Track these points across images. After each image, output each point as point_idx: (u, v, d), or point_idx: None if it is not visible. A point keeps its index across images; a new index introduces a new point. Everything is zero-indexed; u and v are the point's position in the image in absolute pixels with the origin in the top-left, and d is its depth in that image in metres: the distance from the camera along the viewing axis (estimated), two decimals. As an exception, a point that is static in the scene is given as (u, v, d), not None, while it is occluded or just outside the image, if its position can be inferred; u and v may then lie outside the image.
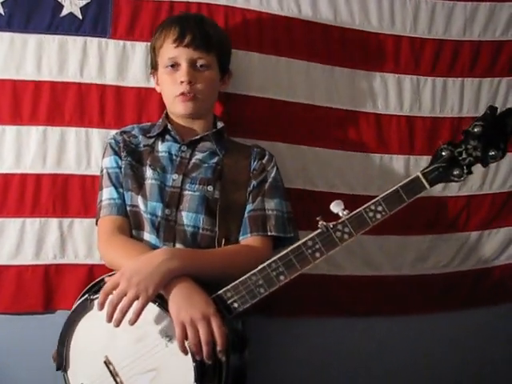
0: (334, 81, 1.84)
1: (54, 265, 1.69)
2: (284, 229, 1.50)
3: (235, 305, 1.27)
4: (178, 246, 1.46)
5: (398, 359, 1.95)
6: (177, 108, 1.53)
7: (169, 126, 1.54)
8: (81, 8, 1.69)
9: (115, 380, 1.34)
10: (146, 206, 1.48)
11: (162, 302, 1.30)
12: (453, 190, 1.93)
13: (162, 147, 1.55)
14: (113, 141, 1.57)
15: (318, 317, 1.86)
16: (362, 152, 1.86)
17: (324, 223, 1.24)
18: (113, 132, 1.65)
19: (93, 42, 1.70)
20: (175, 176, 1.50)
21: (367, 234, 1.80)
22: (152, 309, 1.30)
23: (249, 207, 1.51)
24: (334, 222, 1.25)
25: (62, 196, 1.69)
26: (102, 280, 1.38)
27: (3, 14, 1.65)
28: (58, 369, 1.38)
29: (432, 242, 1.92)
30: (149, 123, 1.64)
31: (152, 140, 1.56)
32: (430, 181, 1.26)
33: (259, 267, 1.27)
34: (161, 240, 1.46)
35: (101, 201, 1.52)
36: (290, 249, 1.26)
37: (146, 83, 1.72)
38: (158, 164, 1.52)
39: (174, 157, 1.53)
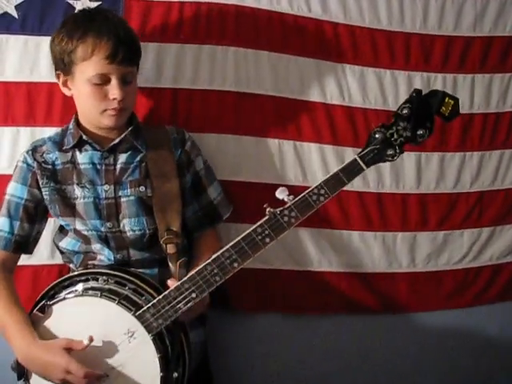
0: (344, 78, 1.84)
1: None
2: (228, 205, 1.63)
3: (193, 295, 1.30)
4: (131, 252, 1.48)
5: (409, 354, 1.97)
6: (104, 121, 1.43)
7: (84, 137, 1.46)
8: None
9: None
10: (87, 224, 1.46)
11: (120, 299, 1.32)
12: (465, 186, 1.93)
13: (82, 159, 1.48)
14: (24, 165, 1.49)
15: (322, 313, 1.89)
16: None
17: (271, 209, 1.28)
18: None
19: (105, 43, 1.72)
20: (106, 187, 1.46)
21: (380, 231, 1.86)
22: (111, 307, 1.31)
23: (194, 206, 1.56)
24: (281, 208, 1.29)
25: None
26: (57, 285, 1.40)
27: (17, 17, 1.67)
28: (19, 378, 1.37)
29: (445, 239, 1.92)
30: (58, 131, 1.56)
31: (70, 154, 1.48)
32: (366, 162, 1.31)
33: (213, 257, 1.30)
34: (114, 251, 1.47)
35: None
36: (241, 237, 1.30)
37: (158, 83, 1.73)
38: (85, 179, 1.46)
39: (98, 166, 1.47)
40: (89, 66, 1.38)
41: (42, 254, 1.70)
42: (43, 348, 1.30)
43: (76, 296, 1.35)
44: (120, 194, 1.47)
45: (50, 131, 1.69)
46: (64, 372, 1.27)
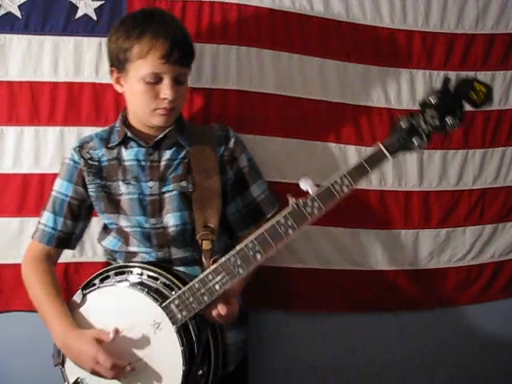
0: (347, 77, 1.84)
1: (73, 263, 1.73)
2: (274, 204, 1.59)
3: (217, 287, 1.31)
4: (173, 249, 1.48)
5: (411, 353, 1.97)
6: (154, 121, 1.46)
7: (129, 134, 1.49)
8: (95, 9, 1.72)
9: None
10: (130, 221, 1.48)
11: (149, 291, 1.35)
12: (467, 183, 1.93)
13: (127, 155, 1.51)
14: (71, 162, 1.52)
15: (332, 312, 1.89)
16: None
17: (294, 200, 1.27)
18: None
19: (108, 42, 1.73)
20: (151, 183, 1.48)
21: (383, 229, 1.87)
22: (140, 298, 1.34)
23: (238, 204, 1.55)
24: (304, 199, 1.28)
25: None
26: (96, 277, 1.44)
27: (20, 17, 1.67)
28: (55, 364, 1.45)
29: (447, 236, 1.93)
30: (106, 128, 1.58)
31: (116, 151, 1.51)
32: (390, 151, 1.28)
33: (237, 248, 1.31)
34: (155, 249, 1.48)
35: (39, 222, 1.54)
36: (264, 228, 1.29)
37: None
38: (130, 175, 1.49)
39: (143, 163, 1.49)
40: (143, 65, 1.40)
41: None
42: (77, 336, 1.36)
43: (108, 286, 1.41)
44: (164, 189, 1.48)
45: (53, 130, 1.71)
46: (93, 361, 1.32)
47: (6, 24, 1.67)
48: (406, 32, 1.88)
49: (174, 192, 1.47)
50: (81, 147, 1.53)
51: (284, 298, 1.83)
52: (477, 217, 1.95)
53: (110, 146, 1.52)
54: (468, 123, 1.91)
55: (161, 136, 1.49)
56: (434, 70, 1.91)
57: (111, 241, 1.53)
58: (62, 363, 1.43)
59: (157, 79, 1.41)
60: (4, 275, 1.71)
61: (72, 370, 1.41)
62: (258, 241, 1.29)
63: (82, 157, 1.52)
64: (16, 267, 1.69)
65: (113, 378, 1.33)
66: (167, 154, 1.50)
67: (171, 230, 1.47)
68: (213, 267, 1.31)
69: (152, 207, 1.48)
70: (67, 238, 1.53)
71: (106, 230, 1.57)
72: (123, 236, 1.50)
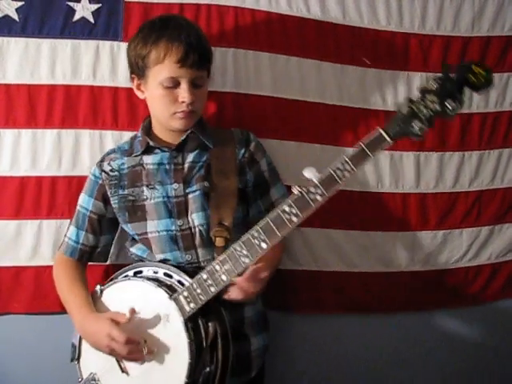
0: (344, 79, 1.85)
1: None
2: None
3: (223, 277, 1.33)
4: (199, 252, 1.49)
5: (410, 356, 1.97)
6: (174, 124, 1.50)
7: (151, 144, 1.52)
8: (92, 12, 1.72)
9: (119, 365, 1.41)
10: (157, 225, 1.50)
11: (162, 285, 1.38)
12: (464, 185, 1.94)
13: (151, 160, 1.53)
14: (92, 177, 1.58)
15: (330, 313, 1.89)
16: (372, 150, 1.87)
17: (298, 187, 1.29)
18: (126, 135, 1.69)
19: (105, 45, 1.73)
20: (175, 185, 1.50)
21: (379, 230, 1.87)
22: (152, 290, 1.38)
23: (259, 206, 1.57)
24: (307, 185, 1.29)
25: (77, 197, 1.68)
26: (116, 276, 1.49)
27: (18, 20, 1.67)
28: (71, 360, 1.49)
29: (444, 238, 1.93)
30: (128, 140, 1.63)
31: (138, 158, 1.54)
32: (390, 135, 1.29)
33: (243, 238, 1.32)
34: (182, 251, 1.49)
35: (65, 235, 1.60)
36: (269, 217, 1.31)
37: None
38: (154, 180, 1.51)
39: (167, 166, 1.52)
40: (161, 70, 1.43)
41: (44, 255, 1.71)
42: (94, 318, 1.42)
43: (123, 280, 1.46)
44: (188, 190, 1.50)
45: (50, 133, 1.71)
46: (108, 337, 1.35)
47: (3, 27, 1.67)
48: (403, 34, 1.88)
49: (197, 192, 1.50)
50: (102, 161, 1.58)
51: (281, 300, 1.83)
52: (474, 218, 1.95)
53: (133, 155, 1.55)
54: (464, 125, 1.92)
55: (184, 137, 1.51)
56: (431, 72, 1.90)
57: (140, 248, 1.55)
58: (78, 358, 1.48)
59: (174, 83, 1.44)
60: (1, 277, 1.71)
61: (86, 366, 1.46)
62: (263, 229, 1.30)
63: (103, 170, 1.56)
64: (13, 270, 1.71)
65: (128, 354, 1.35)
66: (190, 157, 1.53)
67: (197, 230, 1.49)
68: (220, 257, 1.33)
69: (178, 209, 1.50)
70: (90, 252, 1.58)
71: (133, 239, 1.59)
72: (149, 245, 1.52)
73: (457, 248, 1.94)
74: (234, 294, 1.36)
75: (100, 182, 1.55)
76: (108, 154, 1.60)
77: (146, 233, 1.51)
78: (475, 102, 1.94)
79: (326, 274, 1.85)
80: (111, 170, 1.55)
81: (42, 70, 1.70)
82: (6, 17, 1.67)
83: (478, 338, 2.00)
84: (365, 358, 1.94)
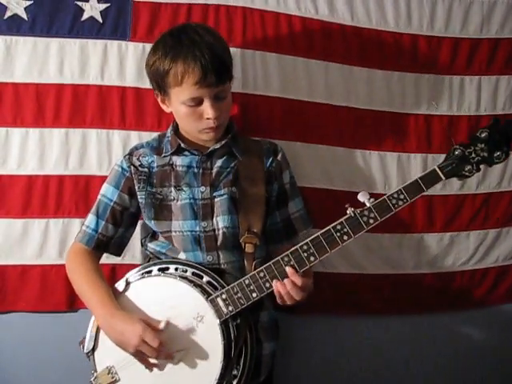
0: (351, 80, 1.85)
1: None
2: (307, 224, 1.62)
3: (267, 284, 1.36)
4: (221, 253, 1.50)
5: (417, 358, 1.96)
6: (203, 137, 1.50)
7: (182, 145, 1.53)
8: (101, 12, 1.72)
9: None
10: (182, 226, 1.50)
11: (195, 285, 1.38)
12: (471, 187, 1.93)
13: (180, 161, 1.54)
14: (119, 169, 1.55)
15: (336, 314, 1.89)
16: (379, 151, 1.87)
17: (352, 209, 1.36)
18: (133, 134, 1.71)
19: (113, 44, 1.73)
20: (203, 188, 1.51)
21: (386, 233, 1.86)
22: (187, 290, 1.38)
23: (275, 218, 1.58)
24: (361, 208, 1.36)
25: (84, 197, 1.73)
26: (138, 271, 1.47)
27: (26, 19, 1.68)
28: (86, 352, 1.44)
29: (451, 240, 1.92)
30: (155, 136, 1.62)
31: (167, 158, 1.54)
32: (445, 173, 1.40)
33: (291, 249, 1.36)
34: (203, 252, 1.50)
35: (83, 224, 1.57)
36: (320, 232, 1.36)
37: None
38: (182, 181, 1.52)
39: (196, 169, 1.53)
40: (181, 92, 1.43)
41: (51, 254, 1.72)
42: (124, 316, 1.39)
43: (154, 276, 1.44)
44: (215, 194, 1.51)
45: (58, 132, 1.71)
46: (139, 339, 1.34)
47: (12, 26, 1.68)
48: (411, 36, 1.88)
49: (224, 196, 1.51)
50: (130, 155, 1.56)
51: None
52: (481, 221, 1.94)
53: (163, 155, 1.54)
54: (473, 127, 1.91)
55: (217, 147, 1.52)
56: (439, 74, 1.90)
57: (158, 244, 1.55)
58: (93, 350, 1.44)
59: (197, 102, 1.44)
60: (8, 276, 1.71)
61: (102, 358, 1.42)
62: (312, 243, 1.35)
63: (132, 164, 1.54)
64: (20, 268, 1.71)
65: (156, 357, 1.35)
66: (219, 162, 1.54)
67: (220, 232, 1.50)
68: (266, 265, 1.36)
69: (203, 211, 1.50)
70: (106, 242, 1.55)
71: (154, 235, 1.59)
72: (172, 242, 1.52)
73: (463, 250, 1.94)
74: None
75: (128, 175, 1.54)
76: (136, 148, 1.58)
77: (169, 231, 1.51)
78: (483, 105, 1.93)
79: (332, 275, 1.84)
80: (140, 166, 1.54)
81: (51, 70, 1.71)
82: (15, 16, 1.68)
83: (483, 340, 2.00)
84: (368, 359, 1.94)
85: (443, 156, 1.86)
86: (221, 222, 1.50)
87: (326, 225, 1.74)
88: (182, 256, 1.50)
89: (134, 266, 1.60)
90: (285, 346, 1.79)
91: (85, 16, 1.72)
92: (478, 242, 1.95)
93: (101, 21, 1.72)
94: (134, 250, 1.71)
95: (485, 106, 1.93)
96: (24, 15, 1.68)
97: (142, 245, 1.63)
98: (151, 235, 1.60)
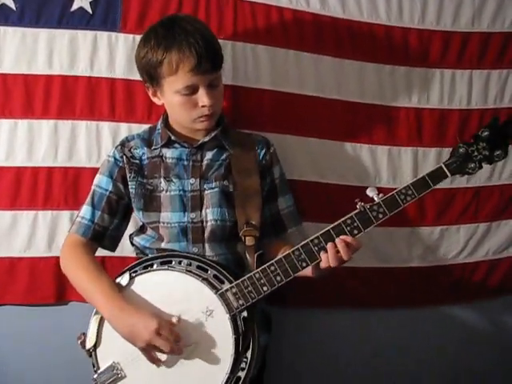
0: (342, 73, 1.84)
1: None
2: (297, 221, 1.63)
3: (278, 278, 1.36)
4: (207, 246, 1.50)
5: (408, 351, 1.97)
6: (197, 126, 1.50)
7: (173, 138, 1.53)
8: (90, 2, 1.71)
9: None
10: (170, 217, 1.50)
11: (205, 278, 1.37)
12: (461, 181, 1.92)
13: (170, 154, 1.54)
14: (112, 159, 1.55)
15: (328, 308, 1.89)
16: (370, 144, 1.87)
17: (362, 204, 1.38)
18: (123, 126, 1.70)
19: (103, 36, 1.72)
20: (192, 180, 1.51)
21: (376, 226, 1.86)
22: (195, 284, 1.36)
23: (265, 212, 1.57)
24: (371, 203, 1.38)
25: (73, 189, 1.72)
26: (138, 264, 1.44)
27: (15, 9, 1.67)
28: (88, 349, 1.40)
29: (441, 234, 1.93)
30: (146, 128, 1.61)
31: (158, 150, 1.54)
32: (450, 170, 1.43)
33: (302, 242, 1.37)
34: (190, 243, 1.50)
35: (77, 215, 1.55)
36: (331, 226, 1.37)
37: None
38: (171, 173, 1.52)
39: (186, 162, 1.53)
40: (176, 80, 1.43)
41: (39, 246, 1.71)
42: (135, 310, 1.36)
43: (161, 270, 1.41)
44: (205, 186, 1.51)
45: (47, 124, 1.70)
46: (154, 333, 1.31)
47: (0, 16, 1.66)
48: (403, 29, 1.87)
49: (215, 189, 1.51)
50: (122, 145, 1.56)
51: (278, 295, 1.82)
52: (471, 215, 1.94)
53: (153, 148, 1.54)
54: (463, 121, 1.91)
55: (206, 139, 1.52)
56: (430, 67, 1.90)
57: (143, 238, 1.55)
58: (95, 346, 1.40)
59: (192, 90, 1.44)
60: (-4, 268, 1.70)
61: (105, 354, 1.39)
62: (323, 237, 1.36)
63: (124, 154, 1.54)
64: (8, 261, 1.70)
65: (169, 352, 1.33)
66: (209, 155, 1.54)
67: (209, 224, 1.50)
68: (276, 258, 1.37)
69: (192, 203, 1.51)
70: (102, 233, 1.53)
71: (141, 229, 1.59)
72: (158, 233, 1.52)
73: (454, 244, 1.94)
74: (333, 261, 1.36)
75: (121, 164, 1.54)
76: (128, 140, 1.58)
77: (157, 221, 1.51)
78: (474, 99, 1.93)
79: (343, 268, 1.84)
80: (132, 157, 1.54)
81: (39, 60, 1.70)
82: (3, 5, 1.67)
83: (472, 335, 2.00)
84: (361, 353, 1.94)
85: (433, 150, 1.91)
86: (210, 214, 1.50)
87: (317, 218, 1.79)
88: (167, 246, 1.49)
89: (122, 259, 1.60)
90: (277, 339, 1.79)
91: (74, 6, 1.70)
92: (469, 235, 1.95)
93: (90, 11, 1.71)
94: (123, 242, 1.70)
95: (476, 100, 1.93)
96: (12, 5, 1.67)
97: (131, 241, 1.62)
98: (139, 229, 1.59)
